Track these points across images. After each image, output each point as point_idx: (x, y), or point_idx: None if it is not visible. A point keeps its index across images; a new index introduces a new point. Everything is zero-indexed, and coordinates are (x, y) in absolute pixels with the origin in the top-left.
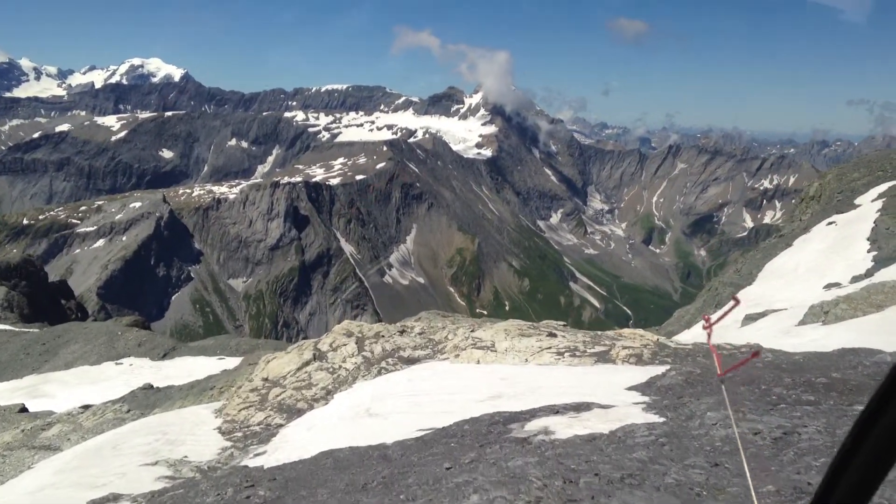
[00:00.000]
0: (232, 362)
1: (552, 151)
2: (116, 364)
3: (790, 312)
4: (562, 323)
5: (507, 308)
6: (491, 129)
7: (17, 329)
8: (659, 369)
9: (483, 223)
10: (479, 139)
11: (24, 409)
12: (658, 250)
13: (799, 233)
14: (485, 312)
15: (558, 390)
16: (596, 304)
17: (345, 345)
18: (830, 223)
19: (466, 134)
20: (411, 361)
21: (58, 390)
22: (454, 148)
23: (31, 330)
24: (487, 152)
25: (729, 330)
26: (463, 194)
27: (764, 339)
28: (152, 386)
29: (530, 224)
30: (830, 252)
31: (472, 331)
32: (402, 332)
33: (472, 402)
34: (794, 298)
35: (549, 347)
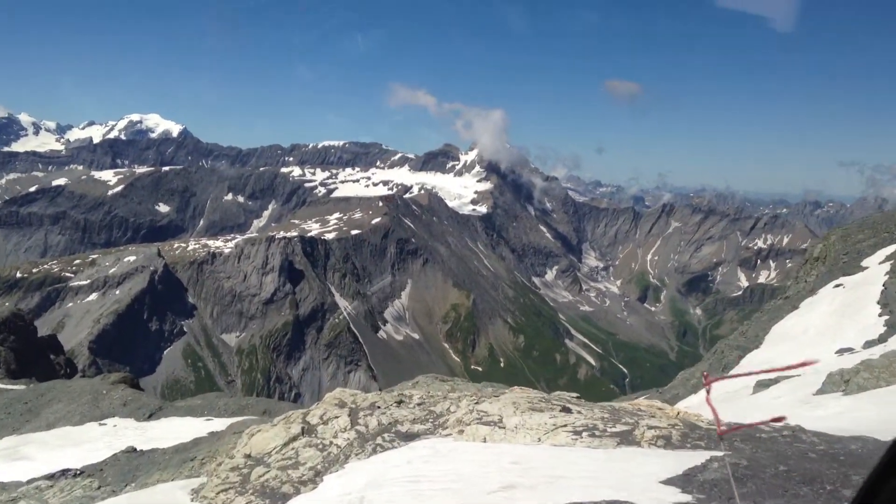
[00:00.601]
0: (220, 423)
1: (547, 208)
2: (100, 425)
3: (805, 379)
4: (575, 395)
5: (502, 364)
6: (486, 185)
7: (2, 386)
8: (694, 457)
9: (478, 279)
10: (475, 195)
11: None
12: (653, 308)
13: (805, 295)
14: (479, 369)
15: (582, 482)
16: (592, 361)
17: (337, 417)
18: (838, 285)
19: (462, 190)
20: (410, 437)
21: (38, 452)
22: (449, 204)
23: (16, 388)
24: (483, 209)
25: (740, 396)
26: (458, 250)
27: (782, 409)
28: (135, 449)
29: (525, 280)
30: (840, 315)
31: (476, 403)
32: (399, 403)
33: (481, 494)
34: None
35: (565, 425)
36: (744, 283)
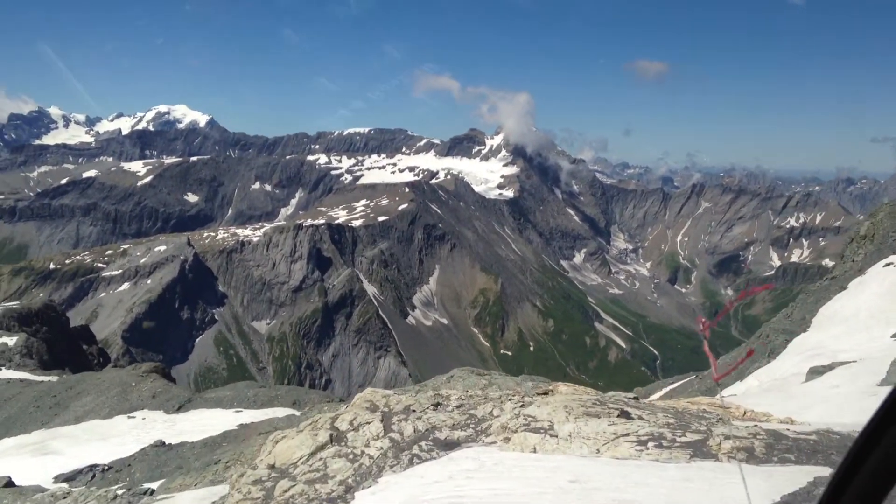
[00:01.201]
0: (249, 415)
1: (574, 191)
2: (129, 418)
3: (864, 366)
4: (632, 396)
5: (531, 349)
6: (512, 169)
7: (34, 377)
8: (790, 476)
9: (506, 263)
10: (501, 180)
11: (9, 484)
12: (684, 290)
13: (853, 275)
14: (509, 353)
15: None
16: (622, 344)
17: (368, 423)
18: (888, 264)
19: (488, 175)
20: (450, 446)
21: (66, 447)
22: (476, 189)
23: (48, 379)
24: (509, 193)
25: (791, 384)
26: (485, 235)
27: (846, 401)
28: (164, 443)
29: (553, 264)
30: (892, 296)
31: (522, 406)
32: (436, 406)
33: None
34: (860, 349)
35: (627, 434)
36: (776, 262)
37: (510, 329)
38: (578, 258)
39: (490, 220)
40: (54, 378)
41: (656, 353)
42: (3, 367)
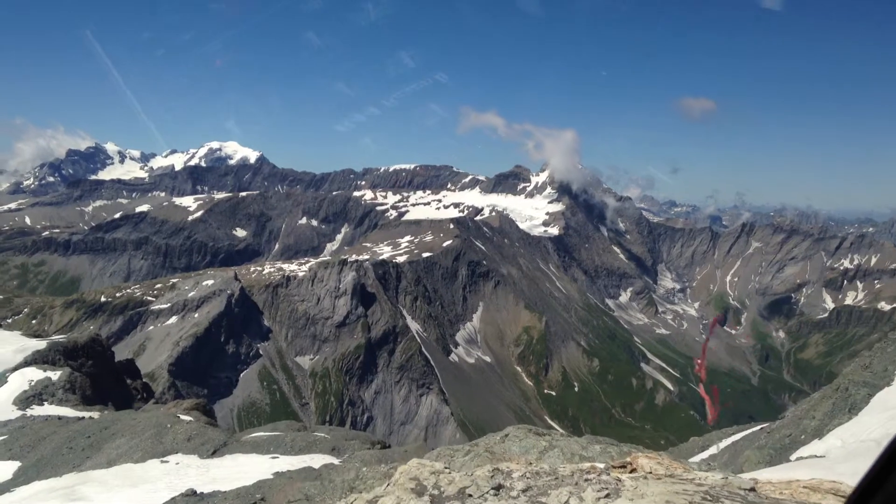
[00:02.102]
0: (286, 462)
1: (620, 229)
2: (162, 462)
3: None
4: (747, 487)
5: (576, 389)
6: (557, 206)
7: (75, 413)
8: None
9: (550, 301)
10: (546, 217)
11: None
12: (733, 331)
13: None
14: (553, 393)
15: None
16: (669, 386)
17: None
18: None
19: (533, 212)
20: None
21: (96, 493)
22: (521, 226)
23: (88, 415)
24: (554, 230)
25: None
26: (530, 272)
27: None
28: (195, 492)
29: (598, 303)
30: None
31: (606, 495)
32: (497, 490)
33: None
34: None
35: None
36: (829, 304)
37: (554, 368)
38: (624, 297)
39: (535, 257)
40: (95, 414)
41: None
42: (45, 402)
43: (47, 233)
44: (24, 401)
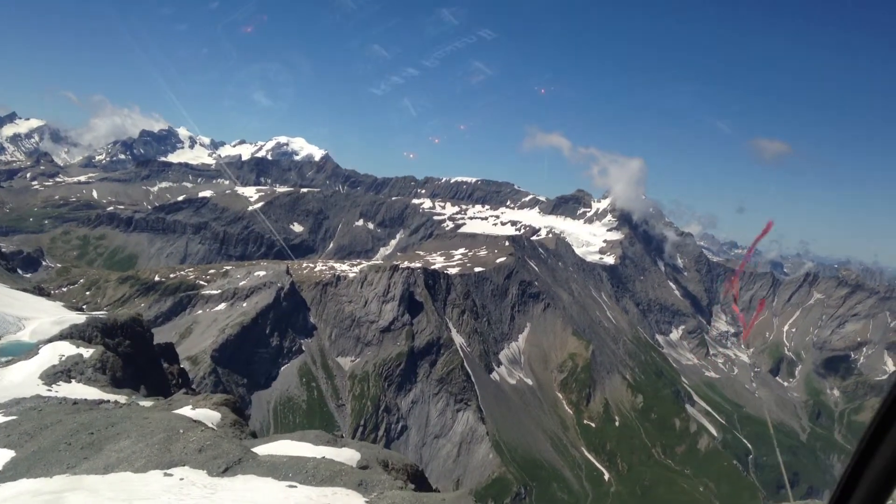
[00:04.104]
0: (303, 493)
1: (678, 265)
2: (165, 475)
3: None
4: None
5: (616, 423)
6: (616, 235)
7: (102, 394)
8: None
9: (599, 330)
10: (603, 244)
11: None
12: (786, 383)
13: None
14: (592, 425)
15: None
16: (714, 432)
17: None
18: None
19: (590, 238)
20: None
21: None
22: (576, 251)
23: (113, 399)
24: (610, 259)
25: None
26: (581, 298)
27: None
28: None
29: (648, 337)
30: None
31: None
32: None
33: None
34: None
35: None
36: (890, 368)
37: (596, 399)
38: (675, 335)
39: (587, 283)
40: (121, 398)
41: (750, 446)
42: (72, 380)
43: (112, 208)
44: (52, 376)
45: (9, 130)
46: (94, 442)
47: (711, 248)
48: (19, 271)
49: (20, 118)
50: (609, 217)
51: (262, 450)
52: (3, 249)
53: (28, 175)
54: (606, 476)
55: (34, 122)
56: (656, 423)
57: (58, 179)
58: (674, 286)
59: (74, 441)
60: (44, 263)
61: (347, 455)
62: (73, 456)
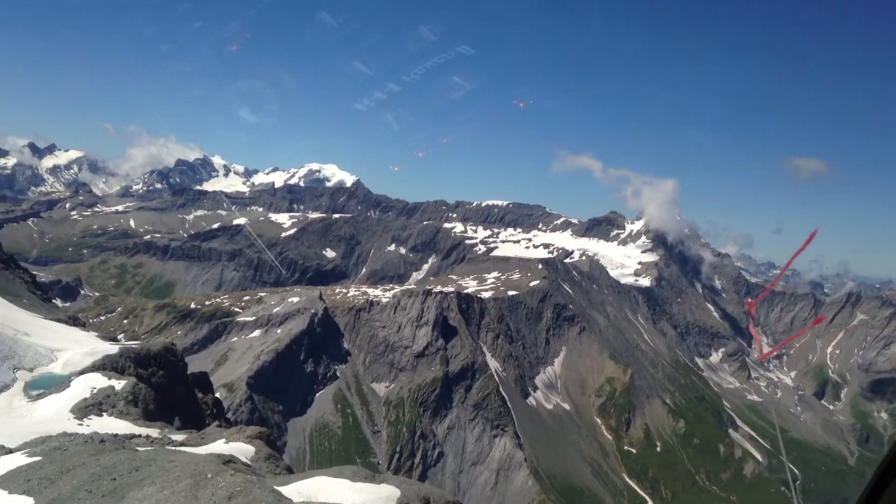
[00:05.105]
0: None
1: (716, 287)
2: None
3: None
4: None
5: (658, 449)
6: (651, 257)
7: (135, 428)
8: None
9: (637, 354)
10: (638, 266)
11: None
12: (832, 406)
13: None
14: (633, 451)
15: None
16: (759, 457)
17: None
18: None
19: (625, 260)
20: None
21: None
22: (611, 273)
23: (145, 433)
24: (645, 281)
25: None
26: (617, 321)
27: None
28: None
29: (688, 361)
30: None
31: None
32: None
33: None
34: None
35: None
36: None
37: (636, 425)
38: (715, 357)
39: (623, 306)
40: (154, 432)
41: (797, 472)
42: (104, 413)
43: (149, 236)
44: (83, 409)
45: (48, 162)
46: (116, 489)
47: (749, 268)
48: (58, 300)
49: (59, 150)
50: (643, 238)
51: (298, 487)
52: (43, 279)
53: (67, 205)
54: (650, 503)
55: (73, 154)
56: (699, 449)
57: (96, 209)
58: (712, 308)
59: (95, 488)
60: (82, 292)
61: (386, 492)
62: None
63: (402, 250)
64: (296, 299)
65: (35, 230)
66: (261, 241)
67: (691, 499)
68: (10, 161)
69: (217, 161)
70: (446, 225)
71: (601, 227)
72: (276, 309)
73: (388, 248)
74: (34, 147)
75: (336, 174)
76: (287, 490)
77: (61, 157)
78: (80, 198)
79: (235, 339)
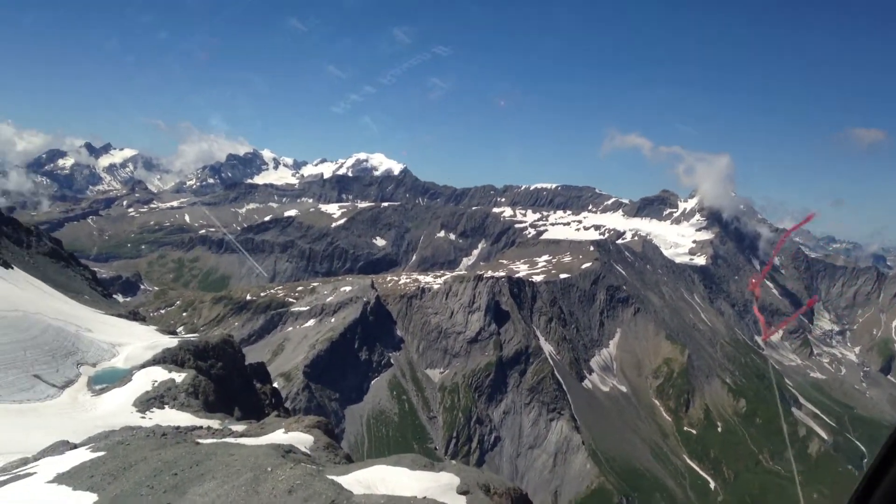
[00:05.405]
0: None
1: (774, 263)
2: None
3: None
4: None
5: (719, 429)
6: (706, 235)
7: (196, 419)
8: None
9: (694, 334)
10: (693, 245)
11: None
12: None
13: None
14: (693, 432)
15: None
16: (824, 435)
17: None
18: None
19: (678, 239)
20: None
21: None
22: (665, 252)
23: (206, 424)
24: (701, 259)
25: None
26: (672, 301)
27: None
28: None
29: (747, 339)
30: None
31: None
32: None
33: None
34: None
35: None
36: None
37: (696, 405)
38: (776, 335)
39: (678, 286)
40: (214, 423)
41: (864, 449)
42: (166, 406)
43: (203, 231)
44: (145, 403)
45: (105, 161)
46: (177, 485)
47: (808, 243)
48: (119, 295)
49: (114, 149)
50: (697, 216)
51: (358, 476)
52: (104, 275)
53: (124, 203)
54: (712, 485)
55: (128, 152)
56: (761, 428)
57: (152, 206)
58: (771, 285)
59: (157, 484)
60: (142, 287)
61: (446, 480)
62: (155, 501)
63: (452, 236)
64: (348, 288)
65: (94, 228)
66: (311, 231)
67: (755, 479)
68: (69, 161)
69: (266, 154)
70: (495, 210)
71: (653, 206)
72: (330, 298)
73: (438, 235)
74: (91, 147)
75: (383, 163)
76: (347, 479)
77: (117, 156)
78: (137, 195)
79: (291, 328)
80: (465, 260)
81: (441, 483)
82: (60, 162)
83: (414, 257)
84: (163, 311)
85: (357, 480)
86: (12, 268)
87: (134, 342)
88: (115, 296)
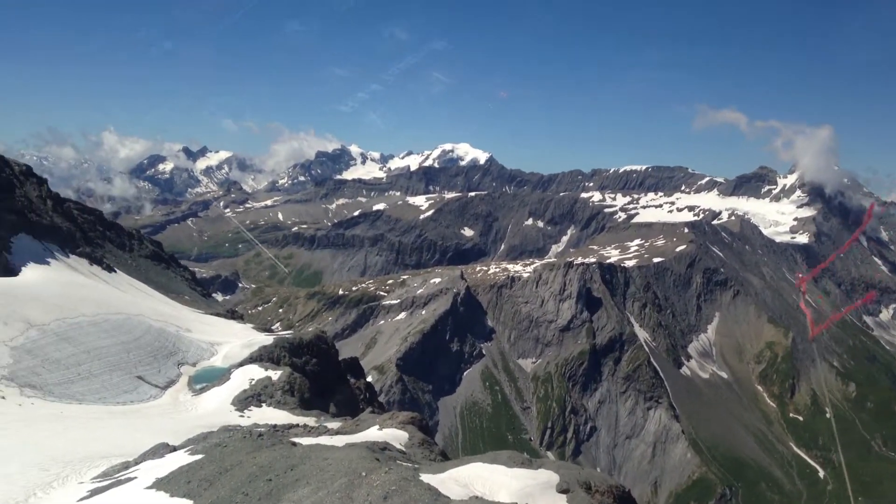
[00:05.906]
0: None
1: (882, 238)
2: None
3: None
4: None
5: (827, 415)
6: (808, 212)
7: (292, 417)
8: None
9: (798, 316)
10: (794, 223)
11: None
12: None
13: None
14: (800, 418)
15: None
16: None
17: None
18: None
19: (778, 217)
20: None
21: None
22: (764, 231)
23: (303, 421)
24: (803, 237)
25: None
26: (774, 283)
27: None
28: None
29: (855, 320)
30: None
31: None
32: None
33: None
34: None
35: None
36: None
37: (801, 390)
38: (886, 315)
39: (780, 266)
40: (311, 420)
41: None
42: (263, 404)
43: (296, 228)
44: (243, 401)
45: (202, 164)
46: (272, 491)
47: None
48: (219, 294)
49: (211, 151)
50: (798, 193)
51: (454, 475)
52: (204, 275)
53: (221, 203)
54: (821, 473)
55: (223, 154)
56: (874, 413)
57: (247, 205)
58: (879, 262)
59: (252, 490)
60: (240, 285)
61: (545, 478)
62: None
63: (540, 223)
64: (438, 280)
65: (194, 229)
66: (400, 224)
67: (867, 466)
68: (169, 166)
69: (354, 149)
70: (583, 195)
71: (750, 184)
72: (420, 290)
73: (526, 223)
74: (188, 151)
75: (469, 153)
76: (443, 477)
77: (212, 159)
78: (232, 195)
79: (382, 322)
80: (554, 247)
81: (539, 481)
82: (161, 167)
83: (502, 246)
84: (260, 308)
85: (453, 479)
86: (115, 271)
87: (232, 341)
88: (214, 295)
